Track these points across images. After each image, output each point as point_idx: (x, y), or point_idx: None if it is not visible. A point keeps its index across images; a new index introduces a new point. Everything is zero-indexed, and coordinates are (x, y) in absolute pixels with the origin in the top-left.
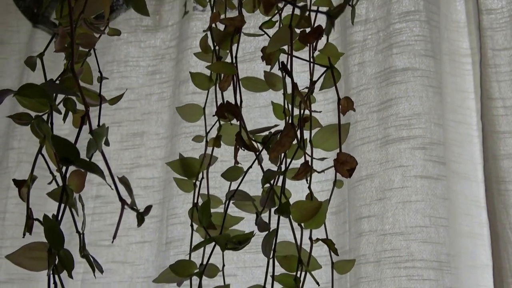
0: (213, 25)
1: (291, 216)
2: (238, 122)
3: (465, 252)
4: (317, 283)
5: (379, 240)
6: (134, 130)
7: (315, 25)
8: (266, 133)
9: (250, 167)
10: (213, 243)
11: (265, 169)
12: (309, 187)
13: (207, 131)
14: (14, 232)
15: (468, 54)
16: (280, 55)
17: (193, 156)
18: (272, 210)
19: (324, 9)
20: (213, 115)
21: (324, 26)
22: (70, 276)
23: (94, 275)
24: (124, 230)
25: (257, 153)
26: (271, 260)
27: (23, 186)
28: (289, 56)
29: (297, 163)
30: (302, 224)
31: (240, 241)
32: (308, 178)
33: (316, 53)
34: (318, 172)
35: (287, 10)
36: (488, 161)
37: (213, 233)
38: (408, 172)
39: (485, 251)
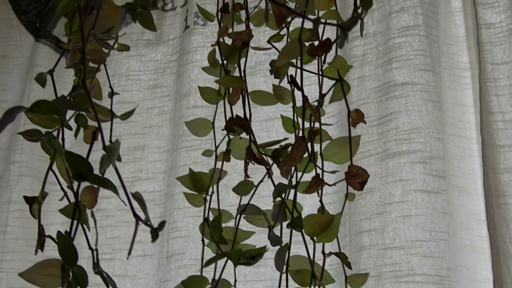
0: (221, 39)
1: (303, 230)
2: (248, 135)
3: (465, 266)
4: None
5: (380, 254)
6: (135, 144)
7: (323, 38)
8: (276, 146)
9: (261, 181)
10: (225, 258)
11: (275, 183)
12: (321, 201)
13: (217, 145)
14: (15, 246)
15: (467, 68)
16: (288, 68)
17: (194, 169)
18: (284, 224)
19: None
20: (222, 129)
21: (331, 38)
22: None
23: None
24: (125, 243)
25: (268, 167)
26: (283, 275)
27: (34, 202)
28: (299, 70)
29: (306, 176)
30: (315, 238)
31: (253, 256)
32: (319, 191)
33: (325, 65)
34: (330, 185)
35: (294, 23)
36: (487, 175)
37: (224, 247)
38: (408, 186)
39: (485, 265)
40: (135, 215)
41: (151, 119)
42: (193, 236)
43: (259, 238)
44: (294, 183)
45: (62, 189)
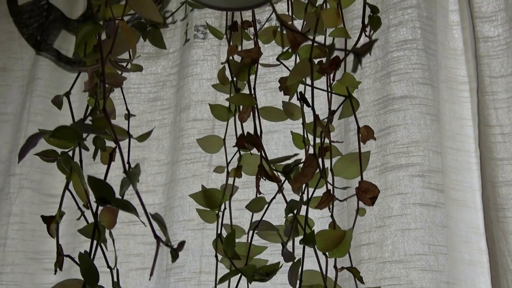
0: (231, 57)
1: (316, 245)
2: (259, 152)
3: (464, 279)
4: None
5: (379, 268)
6: (135, 157)
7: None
8: (287, 162)
9: (274, 197)
10: (239, 274)
11: (287, 198)
12: (332, 216)
13: (228, 161)
14: (15, 259)
15: (465, 81)
16: (298, 86)
17: (194, 182)
18: (296, 239)
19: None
20: (233, 146)
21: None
22: None
23: None
24: (124, 256)
25: (280, 184)
26: None
27: (52, 222)
28: (311, 88)
29: (317, 191)
30: (327, 253)
31: (267, 273)
32: (331, 207)
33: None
34: (340, 201)
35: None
36: (486, 188)
37: (237, 263)
38: (407, 199)
39: (484, 279)
40: (156, 236)
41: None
42: (192, 249)
43: (270, 250)
44: (305, 199)
45: (79, 208)
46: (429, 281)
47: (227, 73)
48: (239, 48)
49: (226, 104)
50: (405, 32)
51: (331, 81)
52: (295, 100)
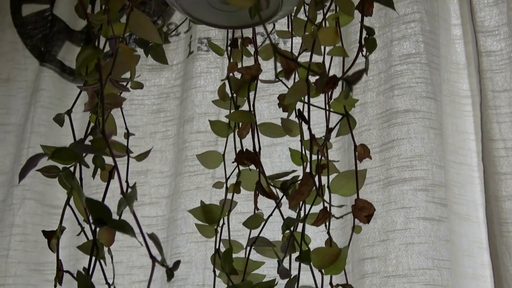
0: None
1: (311, 262)
2: (257, 169)
3: None
4: None
5: (382, 282)
6: (138, 168)
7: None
8: (285, 178)
9: (271, 215)
10: None
11: (284, 213)
12: (328, 233)
13: (227, 177)
14: (17, 270)
15: (468, 95)
16: (297, 103)
17: (197, 195)
18: (293, 256)
19: (338, 56)
20: (233, 162)
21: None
22: None
23: None
24: (127, 268)
25: (278, 201)
26: None
27: (53, 237)
28: (307, 106)
29: (314, 209)
30: (323, 270)
31: None
32: (327, 224)
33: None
34: (337, 218)
35: (302, 57)
36: (489, 203)
37: (235, 278)
38: (411, 213)
39: None
40: (151, 256)
41: (155, 144)
42: (195, 262)
43: (268, 264)
44: (302, 215)
45: (79, 223)
46: None
47: (227, 89)
48: (240, 65)
49: (227, 119)
50: (409, 46)
51: (329, 99)
52: (294, 117)
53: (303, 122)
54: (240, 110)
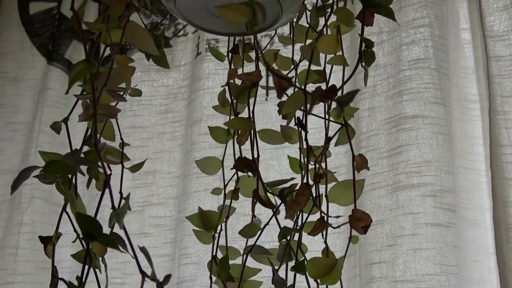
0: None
1: (307, 272)
2: (255, 177)
3: None
4: None
5: (390, 287)
6: (146, 169)
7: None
8: (283, 185)
9: (267, 223)
10: None
11: (280, 221)
12: (325, 242)
13: (225, 183)
14: (26, 268)
15: (476, 100)
16: (296, 111)
17: (205, 196)
18: (289, 264)
19: (337, 65)
20: (231, 168)
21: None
22: None
23: None
24: (135, 267)
25: (274, 210)
26: None
27: (49, 243)
28: (305, 116)
29: (312, 216)
30: (318, 280)
31: None
32: (324, 233)
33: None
34: (334, 228)
35: (301, 66)
36: (497, 208)
37: (231, 285)
38: (419, 219)
39: None
40: (141, 271)
41: (163, 144)
42: (203, 263)
43: (265, 271)
44: (300, 223)
45: (75, 230)
46: None
47: (227, 95)
48: (240, 71)
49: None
50: (418, 51)
51: (329, 108)
52: (293, 124)
53: (302, 130)
54: (240, 117)
